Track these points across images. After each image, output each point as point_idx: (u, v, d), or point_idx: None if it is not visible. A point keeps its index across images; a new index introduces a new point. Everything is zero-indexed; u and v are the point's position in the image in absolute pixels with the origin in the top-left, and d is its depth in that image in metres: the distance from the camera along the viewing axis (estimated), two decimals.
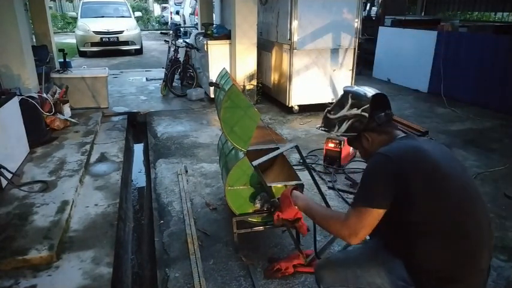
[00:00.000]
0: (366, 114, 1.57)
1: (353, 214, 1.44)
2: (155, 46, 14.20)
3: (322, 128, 1.74)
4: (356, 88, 1.68)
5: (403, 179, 1.38)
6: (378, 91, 1.63)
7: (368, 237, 1.94)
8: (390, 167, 1.40)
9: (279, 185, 2.45)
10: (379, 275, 1.49)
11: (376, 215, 1.40)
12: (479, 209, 1.44)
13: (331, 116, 1.68)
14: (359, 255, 1.66)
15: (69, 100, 5.04)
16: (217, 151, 3.28)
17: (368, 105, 1.57)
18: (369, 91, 1.63)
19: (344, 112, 1.63)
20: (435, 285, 1.40)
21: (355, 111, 1.60)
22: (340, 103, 1.66)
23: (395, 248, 1.47)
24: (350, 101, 1.62)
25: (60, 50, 5.87)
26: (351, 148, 3.85)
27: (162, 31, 19.68)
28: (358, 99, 1.60)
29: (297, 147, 2.37)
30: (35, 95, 4.18)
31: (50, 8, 14.39)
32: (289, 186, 1.93)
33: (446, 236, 1.37)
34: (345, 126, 1.63)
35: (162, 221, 2.91)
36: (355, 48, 5.53)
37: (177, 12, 16.80)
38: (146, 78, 8.15)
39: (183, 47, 6.85)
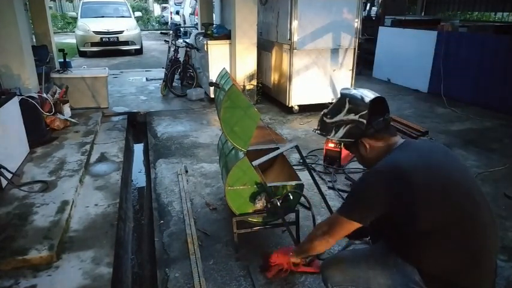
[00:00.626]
0: (364, 121, 1.53)
1: (332, 219, 1.58)
2: (155, 46, 14.19)
3: (318, 132, 1.70)
4: (354, 92, 1.62)
5: (399, 193, 1.37)
6: (376, 94, 1.59)
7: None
8: (381, 188, 1.41)
9: (279, 185, 2.45)
10: (391, 277, 1.48)
11: (349, 226, 1.49)
12: (483, 210, 1.42)
13: (328, 120, 1.64)
14: (369, 256, 1.63)
15: (69, 100, 5.04)
16: (217, 151, 3.28)
17: (366, 111, 1.52)
18: (367, 95, 1.57)
19: (341, 117, 1.59)
20: None
21: (352, 116, 1.56)
22: (337, 107, 1.61)
23: (403, 252, 1.47)
24: (347, 105, 1.57)
25: (60, 50, 5.87)
26: None
27: (162, 31, 19.68)
28: (356, 105, 1.55)
29: (297, 147, 2.37)
30: (35, 95, 4.18)
31: (50, 8, 14.38)
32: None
33: (451, 240, 1.37)
34: (341, 131, 1.60)
35: (162, 221, 2.91)
36: (355, 48, 5.52)
37: (177, 12, 16.80)
38: (146, 78, 8.15)
39: (183, 47, 6.85)
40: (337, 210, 1.57)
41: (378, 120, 1.54)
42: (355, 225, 1.47)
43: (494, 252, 1.48)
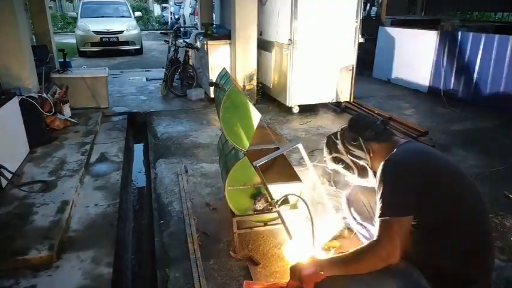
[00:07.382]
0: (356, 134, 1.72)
1: (383, 229, 1.37)
2: (155, 46, 14.19)
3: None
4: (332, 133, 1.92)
5: (417, 183, 1.39)
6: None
7: None
8: (408, 173, 1.42)
9: (279, 185, 2.44)
10: (397, 285, 1.44)
11: (407, 222, 1.37)
12: (483, 207, 1.48)
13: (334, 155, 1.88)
14: None
15: (69, 100, 5.03)
16: (217, 151, 3.28)
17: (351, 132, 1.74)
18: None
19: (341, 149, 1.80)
20: (454, 287, 1.41)
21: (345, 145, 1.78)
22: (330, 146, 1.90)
23: (408, 255, 1.45)
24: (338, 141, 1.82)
25: (60, 50, 5.87)
26: None
27: (162, 31, 19.68)
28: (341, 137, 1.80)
29: (300, 146, 2.37)
30: (35, 95, 4.19)
31: (50, 8, 14.39)
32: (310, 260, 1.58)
33: (459, 237, 1.40)
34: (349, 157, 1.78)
35: (162, 221, 2.90)
36: (355, 48, 5.52)
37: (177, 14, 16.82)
38: (146, 78, 8.15)
39: (183, 47, 6.86)
40: (383, 216, 1.41)
41: (376, 123, 1.64)
42: (407, 221, 1.37)
43: (493, 247, 1.54)
